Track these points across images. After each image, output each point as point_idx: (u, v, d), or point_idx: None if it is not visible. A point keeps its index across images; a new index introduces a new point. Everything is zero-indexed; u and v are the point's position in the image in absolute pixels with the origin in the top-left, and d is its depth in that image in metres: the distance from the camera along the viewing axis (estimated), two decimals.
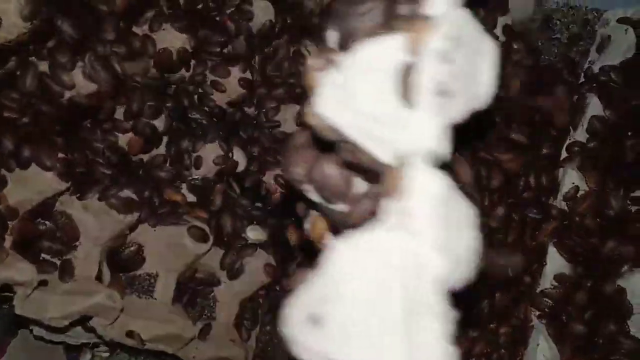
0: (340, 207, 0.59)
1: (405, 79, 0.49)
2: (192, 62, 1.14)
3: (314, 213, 0.71)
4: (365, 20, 0.54)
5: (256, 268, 1.15)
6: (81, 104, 0.98)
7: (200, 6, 1.15)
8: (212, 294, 1.15)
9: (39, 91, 0.95)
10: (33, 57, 0.94)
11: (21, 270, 0.92)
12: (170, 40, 1.09)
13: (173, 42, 1.09)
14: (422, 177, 0.47)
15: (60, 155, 0.94)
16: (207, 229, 1.10)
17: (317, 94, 0.51)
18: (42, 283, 0.95)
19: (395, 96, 0.49)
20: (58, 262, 1.00)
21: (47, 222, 1.00)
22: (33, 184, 0.94)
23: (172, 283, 1.09)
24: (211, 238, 1.10)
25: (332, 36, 0.64)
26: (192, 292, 1.14)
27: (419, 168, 0.47)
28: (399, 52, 0.50)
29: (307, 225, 0.72)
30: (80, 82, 0.97)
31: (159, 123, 1.09)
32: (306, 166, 0.59)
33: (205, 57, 1.14)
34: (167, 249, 1.08)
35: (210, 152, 1.14)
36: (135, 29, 1.07)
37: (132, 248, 1.08)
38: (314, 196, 0.62)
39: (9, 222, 0.94)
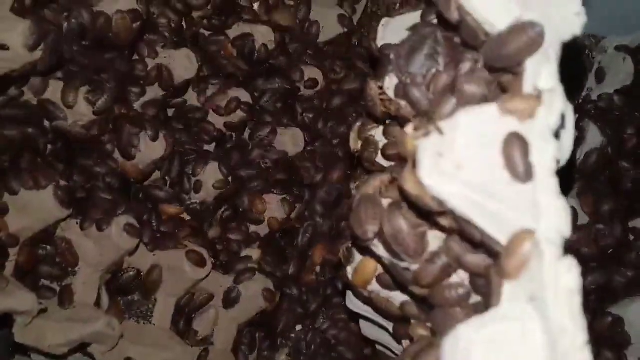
0: (411, 265, 0.58)
1: (517, 152, 0.47)
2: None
3: (361, 256, 0.70)
4: (464, 87, 0.53)
5: (254, 293, 1.15)
6: (83, 131, 0.98)
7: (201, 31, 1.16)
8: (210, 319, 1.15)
9: (40, 118, 0.95)
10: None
11: (22, 299, 0.91)
12: (172, 65, 1.09)
13: (175, 67, 1.09)
14: (555, 266, 0.44)
15: (62, 182, 0.94)
16: (205, 253, 1.10)
17: (417, 161, 0.49)
18: (42, 311, 0.95)
19: (508, 170, 0.47)
20: (57, 288, 1.00)
21: (47, 247, 1.01)
22: (34, 212, 0.94)
23: (170, 308, 1.09)
24: (210, 263, 1.10)
25: (392, 81, 0.64)
26: (190, 317, 1.14)
27: (551, 255, 0.44)
28: (507, 124, 0.48)
29: (350, 269, 0.71)
30: (83, 109, 0.97)
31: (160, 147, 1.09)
32: (376, 222, 0.58)
33: (206, 82, 1.15)
34: (165, 273, 1.08)
35: (209, 176, 1.13)
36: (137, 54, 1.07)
37: (130, 273, 1.08)
38: (381, 251, 0.61)
39: (9, 250, 0.93)
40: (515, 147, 0.47)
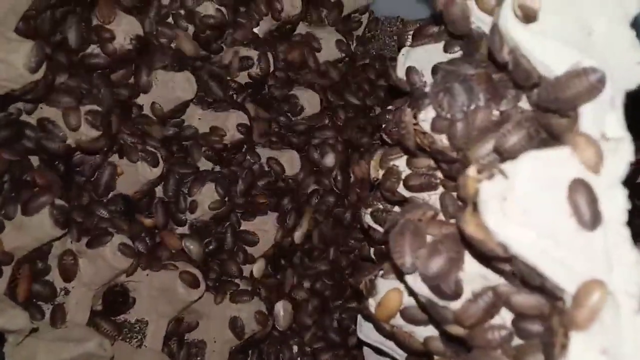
0: (451, 304, 0.57)
1: (583, 200, 0.46)
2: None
3: (386, 287, 0.69)
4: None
5: (248, 315, 1.15)
6: (82, 150, 0.99)
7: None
8: (202, 340, 1.15)
9: (40, 136, 0.95)
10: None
11: (14, 318, 0.90)
12: (172, 87, 1.10)
13: (175, 88, 1.10)
14: (634, 319, 0.43)
15: (58, 202, 0.94)
16: (199, 274, 1.10)
17: (481, 205, 0.48)
18: (34, 330, 0.94)
19: (575, 217, 0.47)
20: (50, 307, 1.00)
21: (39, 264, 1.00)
22: (30, 230, 0.93)
23: (162, 329, 1.09)
24: (203, 284, 1.10)
25: (428, 114, 0.64)
26: (182, 338, 1.13)
27: (629, 307, 0.43)
28: (572, 170, 0.48)
29: (372, 301, 0.70)
30: (82, 129, 0.97)
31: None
32: (418, 255, 0.57)
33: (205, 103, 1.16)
34: (158, 294, 1.08)
35: (205, 196, 1.14)
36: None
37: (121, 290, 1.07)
38: (417, 286, 0.60)
39: (3, 267, 0.93)
40: (581, 194, 0.47)
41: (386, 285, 0.72)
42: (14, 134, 0.94)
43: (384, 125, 0.88)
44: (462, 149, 0.61)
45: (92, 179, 1.04)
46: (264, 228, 1.21)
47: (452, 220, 0.64)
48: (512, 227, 0.46)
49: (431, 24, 0.85)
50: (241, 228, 1.20)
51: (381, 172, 0.83)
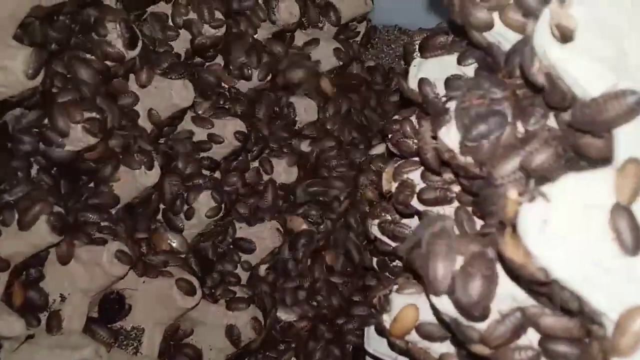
0: (478, 324, 0.57)
1: (624, 225, 0.46)
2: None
3: (401, 303, 0.68)
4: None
5: (243, 323, 1.15)
6: (79, 157, 0.99)
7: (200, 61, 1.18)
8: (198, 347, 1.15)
9: (38, 143, 0.95)
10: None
11: (10, 324, 0.90)
12: (170, 94, 1.10)
13: (173, 95, 1.10)
14: None
15: (55, 209, 0.93)
16: (196, 282, 1.10)
17: (521, 228, 0.47)
18: (30, 337, 0.94)
19: (616, 242, 0.46)
20: (46, 313, 1.00)
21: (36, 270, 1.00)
22: (26, 237, 0.93)
23: (158, 337, 1.09)
24: (199, 292, 1.10)
25: (450, 132, 0.63)
26: (178, 346, 1.13)
27: None
28: (613, 194, 0.47)
29: (386, 317, 0.70)
30: (79, 136, 0.97)
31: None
32: (446, 274, 0.56)
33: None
34: (155, 302, 1.07)
35: (202, 204, 1.14)
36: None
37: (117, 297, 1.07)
38: (443, 305, 0.59)
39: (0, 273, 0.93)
40: (623, 219, 0.46)
41: (401, 300, 0.71)
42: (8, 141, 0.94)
43: (390, 136, 0.88)
44: (485, 164, 0.61)
45: (90, 185, 1.04)
46: (262, 235, 1.22)
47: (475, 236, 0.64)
48: (553, 251, 0.46)
49: (439, 34, 0.85)
50: (238, 235, 1.21)
51: (394, 185, 0.82)
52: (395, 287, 0.73)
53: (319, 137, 1.32)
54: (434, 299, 0.58)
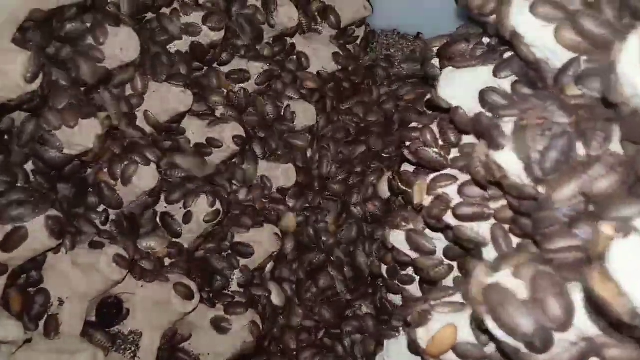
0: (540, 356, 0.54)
1: None
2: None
3: (439, 322, 0.67)
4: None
5: (240, 327, 1.15)
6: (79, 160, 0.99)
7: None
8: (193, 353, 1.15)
9: (36, 146, 0.95)
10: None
11: (8, 328, 0.90)
12: (167, 98, 1.10)
13: (171, 99, 1.10)
14: None
15: (53, 213, 0.93)
16: (194, 286, 1.10)
17: (614, 265, 0.46)
18: (27, 341, 0.94)
19: None
20: (44, 318, 0.99)
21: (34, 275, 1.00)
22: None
23: (156, 341, 1.08)
24: (197, 296, 1.10)
25: (506, 152, 0.62)
26: (175, 351, 1.13)
27: None
28: None
29: (421, 333, 0.68)
30: (78, 138, 0.97)
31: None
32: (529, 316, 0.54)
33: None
34: (152, 306, 1.07)
35: (200, 208, 1.14)
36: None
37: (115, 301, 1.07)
38: (501, 335, 0.57)
39: None
40: None
41: (439, 319, 0.70)
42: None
43: (408, 144, 0.88)
44: (543, 186, 0.60)
45: (88, 188, 1.04)
46: (259, 240, 1.22)
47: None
48: None
49: (459, 41, 0.85)
50: (235, 240, 1.21)
51: (428, 199, 0.81)
52: (434, 304, 0.71)
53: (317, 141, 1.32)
54: (490, 325, 0.56)
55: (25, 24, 0.90)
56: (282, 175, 1.26)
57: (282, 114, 1.29)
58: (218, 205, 1.13)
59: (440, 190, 0.81)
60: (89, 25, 0.98)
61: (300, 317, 1.26)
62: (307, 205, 1.30)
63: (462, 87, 0.79)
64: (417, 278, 0.99)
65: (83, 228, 1.03)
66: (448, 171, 0.83)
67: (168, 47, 1.14)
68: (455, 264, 0.89)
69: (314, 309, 1.27)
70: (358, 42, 1.45)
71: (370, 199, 1.31)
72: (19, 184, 0.94)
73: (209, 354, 1.15)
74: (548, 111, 0.61)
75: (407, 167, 0.98)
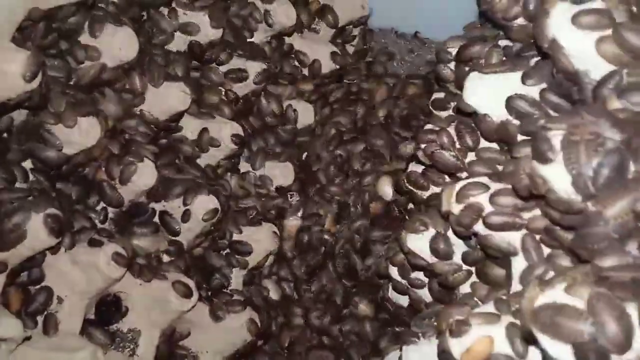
0: None
1: None
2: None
3: (475, 333, 0.66)
4: None
5: (239, 325, 1.16)
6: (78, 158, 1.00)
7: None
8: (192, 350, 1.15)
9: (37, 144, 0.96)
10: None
11: (7, 326, 0.91)
12: (166, 97, 1.11)
13: (169, 98, 1.11)
14: None
15: (52, 211, 0.94)
16: (192, 284, 1.10)
17: None
18: (26, 339, 0.94)
19: None
20: (43, 315, 1.00)
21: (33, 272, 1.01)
22: None
23: (154, 339, 1.09)
24: (196, 294, 1.10)
25: (557, 169, 0.61)
26: (173, 349, 1.13)
27: None
28: None
29: (455, 343, 0.67)
30: (77, 137, 0.98)
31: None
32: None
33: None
34: (151, 304, 1.08)
35: (199, 206, 1.14)
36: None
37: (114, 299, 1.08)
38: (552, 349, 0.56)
39: None
40: None
41: (475, 330, 0.68)
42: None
43: (424, 146, 0.87)
44: (594, 202, 0.60)
45: (87, 187, 1.05)
46: (257, 238, 1.22)
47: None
48: None
49: (476, 42, 0.85)
50: (234, 238, 1.21)
51: (457, 206, 0.80)
52: (470, 314, 0.71)
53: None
54: (543, 341, 0.56)
55: (24, 23, 0.91)
56: (281, 173, 1.27)
57: (284, 112, 1.29)
58: (217, 204, 1.13)
59: (471, 199, 0.79)
60: (87, 23, 0.99)
61: (299, 315, 1.27)
62: (306, 205, 1.30)
63: (488, 93, 0.79)
64: (427, 281, 0.98)
65: (82, 226, 1.03)
66: (478, 179, 0.81)
67: (166, 46, 1.15)
68: (473, 269, 0.88)
69: (313, 307, 1.27)
70: (356, 41, 1.45)
71: (370, 199, 1.31)
72: (17, 183, 0.95)
73: (207, 352, 1.15)
74: (599, 126, 0.60)
75: (415, 167, 0.98)
